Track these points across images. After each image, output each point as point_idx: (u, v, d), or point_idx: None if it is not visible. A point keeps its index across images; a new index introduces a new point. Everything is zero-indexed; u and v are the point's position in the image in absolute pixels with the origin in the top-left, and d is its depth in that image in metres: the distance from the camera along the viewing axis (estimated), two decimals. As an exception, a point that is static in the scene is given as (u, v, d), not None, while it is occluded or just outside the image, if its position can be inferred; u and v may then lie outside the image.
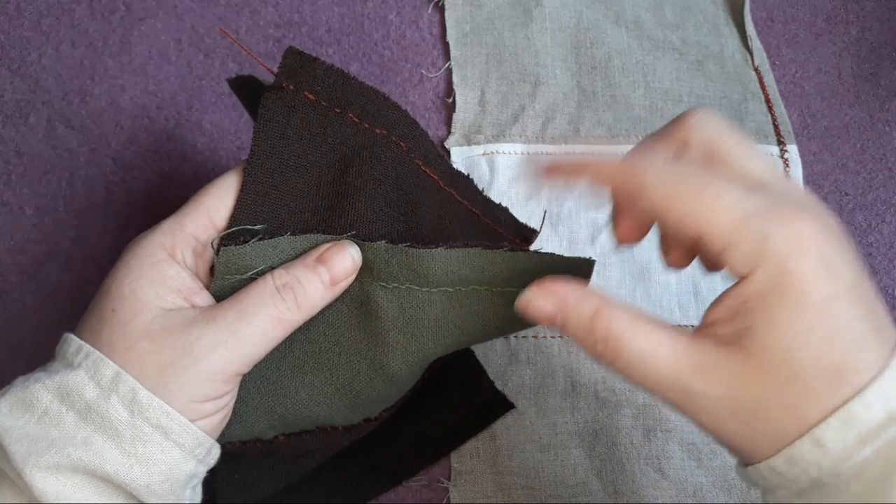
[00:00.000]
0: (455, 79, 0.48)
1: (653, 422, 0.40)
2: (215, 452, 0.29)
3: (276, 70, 0.31)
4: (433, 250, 0.30)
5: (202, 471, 0.28)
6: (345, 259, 0.29)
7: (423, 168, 0.33)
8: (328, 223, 0.31)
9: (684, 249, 0.30)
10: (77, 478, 0.25)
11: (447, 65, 0.49)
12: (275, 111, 0.31)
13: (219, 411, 0.28)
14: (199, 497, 0.30)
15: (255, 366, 0.29)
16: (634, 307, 0.27)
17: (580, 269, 0.31)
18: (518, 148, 0.46)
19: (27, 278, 0.42)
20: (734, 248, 0.25)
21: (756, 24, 0.51)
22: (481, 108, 0.47)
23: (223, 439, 0.30)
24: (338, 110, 0.31)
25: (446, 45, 0.49)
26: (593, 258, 0.31)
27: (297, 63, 0.31)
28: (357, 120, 0.32)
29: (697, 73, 0.49)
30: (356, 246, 0.30)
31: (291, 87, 0.31)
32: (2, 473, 0.25)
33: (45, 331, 0.41)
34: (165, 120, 0.46)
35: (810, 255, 0.25)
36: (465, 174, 0.36)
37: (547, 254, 0.31)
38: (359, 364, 0.31)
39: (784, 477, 0.25)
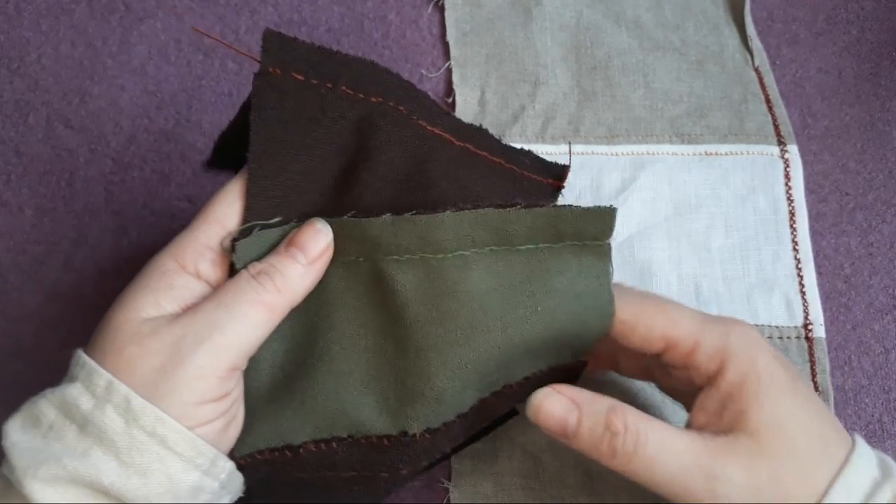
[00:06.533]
0: (455, 79, 0.48)
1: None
2: (223, 466, 0.27)
3: (259, 58, 0.30)
4: (441, 214, 0.29)
5: (211, 485, 0.27)
6: (315, 235, 0.29)
7: (428, 128, 0.32)
8: (336, 199, 0.30)
9: (641, 364, 0.34)
10: (76, 490, 0.25)
11: (447, 65, 0.49)
12: (268, 97, 0.30)
13: (219, 417, 0.27)
14: None
15: (278, 364, 0.29)
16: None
17: (601, 219, 0.31)
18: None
19: (27, 278, 0.42)
20: (700, 348, 0.30)
21: (756, 24, 0.51)
22: (481, 108, 0.47)
23: (251, 447, 0.29)
24: (329, 85, 0.31)
25: (446, 45, 0.49)
26: (615, 206, 0.31)
27: (279, 45, 0.30)
28: (351, 92, 0.31)
29: (698, 73, 0.49)
30: (323, 220, 0.29)
31: (279, 70, 0.30)
32: (14, 488, 0.25)
33: (44, 331, 0.41)
34: (165, 120, 0.46)
35: (764, 348, 0.30)
36: (479, 126, 0.35)
37: (565, 206, 0.30)
38: (385, 344, 0.30)
39: None
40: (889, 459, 0.29)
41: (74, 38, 0.48)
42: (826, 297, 0.44)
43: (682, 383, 0.32)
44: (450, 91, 0.48)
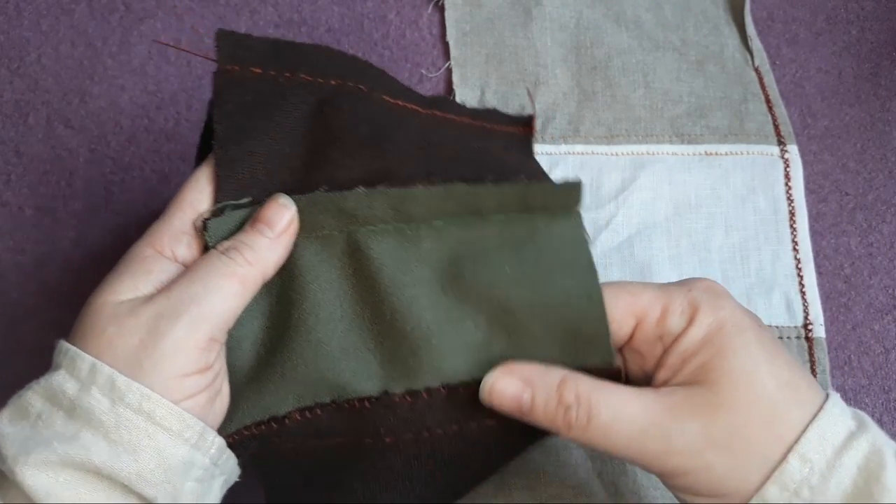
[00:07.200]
0: (455, 79, 0.48)
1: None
2: (212, 440, 0.28)
3: (215, 58, 0.31)
4: (412, 189, 0.29)
5: (202, 461, 0.27)
6: (279, 209, 0.29)
7: (392, 101, 0.33)
8: (307, 179, 0.31)
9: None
10: (68, 473, 0.25)
11: (447, 65, 0.49)
12: (228, 92, 0.31)
13: (203, 390, 0.27)
14: (215, 497, 0.29)
15: (259, 342, 0.29)
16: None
17: (568, 193, 0.31)
18: (518, 148, 0.46)
19: (27, 278, 0.42)
20: (670, 308, 0.29)
21: (756, 24, 0.51)
22: (481, 107, 0.47)
23: (237, 423, 0.29)
24: (288, 74, 0.31)
25: (446, 45, 0.49)
26: (580, 179, 0.31)
27: (233, 44, 0.31)
28: (310, 78, 0.32)
29: (697, 73, 0.49)
30: (285, 195, 0.30)
31: (237, 67, 0.31)
32: (7, 478, 0.25)
33: (44, 331, 0.41)
34: (165, 120, 0.46)
35: (728, 300, 0.29)
36: (442, 96, 0.36)
37: (532, 182, 0.31)
38: (362, 311, 0.30)
39: None
40: (864, 414, 0.28)
41: (74, 38, 0.48)
42: (826, 297, 0.44)
43: (652, 362, 0.30)
44: (450, 91, 0.48)
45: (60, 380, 0.26)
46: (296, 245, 0.30)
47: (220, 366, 0.29)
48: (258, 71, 0.31)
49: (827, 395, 0.28)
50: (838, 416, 0.27)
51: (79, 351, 0.26)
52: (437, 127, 0.34)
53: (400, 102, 0.33)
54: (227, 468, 0.29)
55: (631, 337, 0.30)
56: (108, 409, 0.25)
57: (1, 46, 0.47)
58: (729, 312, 0.28)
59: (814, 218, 0.46)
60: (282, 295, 0.31)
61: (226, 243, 0.29)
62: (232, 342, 0.30)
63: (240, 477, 0.30)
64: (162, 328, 0.26)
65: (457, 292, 0.30)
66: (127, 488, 0.26)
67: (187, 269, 0.29)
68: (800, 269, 0.44)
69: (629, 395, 0.28)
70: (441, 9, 0.51)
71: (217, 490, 0.29)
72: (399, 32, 0.50)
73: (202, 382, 0.27)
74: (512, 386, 0.29)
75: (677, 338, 0.29)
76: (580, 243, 0.31)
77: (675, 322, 0.29)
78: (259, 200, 0.30)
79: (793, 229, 0.45)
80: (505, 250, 0.31)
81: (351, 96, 0.32)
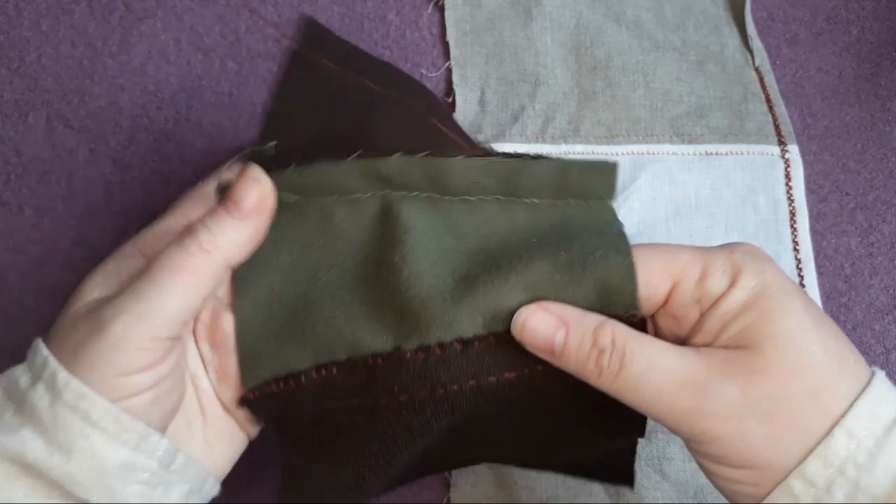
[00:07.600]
0: (455, 79, 0.48)
1: (654, 423, 0.40)
2: (157, 442, 0.26)
3: (294, 38, 0.34)
4: (451, 159, 0.30)
5: (146, 463, 0.26)
6: (247, 185, 0.28)
7: (440, 126, 0.34)
8: (344, 152, 0.31)
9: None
10: (3, 467, 0.24)
11: (447, 65, 0.49)
12: (298, 70, 0.33)
13: (147, 389, 0.26)
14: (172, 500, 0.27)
15: (277, 297, 0.29)
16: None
17: (604, 175, 0.31)
18: (518, 148, 0.46)
19: (26, 279, 0.42)
20: (710, 269, 0.27)
21: (756, 24, 0.51)
22: (481, 107, 0.47)
23: (258, 379, 0.29)
24: (353, 75, 0.33)
25: (446, 45, 0.49)
26: (616, 160, 0.30)
27: (316, 33, 0.34)
28: (373, 86, 0.33)
29: (698, 73, 0.49)
30: (259, 168, 0.28)
31: (312, 53, 0.33)
32: None
33: (44, 331, 0.41)
34: (165, 120, 0.46)
35: (771, 264, 0.27)
36: (485, 146, 0.38)
37: (570, 160, 0.32)
38: (388, 274, 0.29)
39: (819, 489, 0.24)
40: None
41: (74, 38, 0.48)
42: (826, 297, 0.44)
43: (687, 326, 0.28)
44: (450, 91, 0.48)
45: (18, 373, 0.26)
46: (330, 207, 0.30)
47: (172, 364, 0.27)
48: (331, 65, 0.33)
49: (873, 372, 0.26)
50: (886, 392, 0.25)
51: (42, 346, 0.26)
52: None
53: (445, 131, 0.34)
54: (190, 476, 0.28)
55: (666, 300, 0.28)
56: (47, 405, 0.25)
57: (1, 46, 0.47)
58: (773, 276, 0.27)
59: (814, 218, 0.46)
60: (306, 254, 0.31)
61: (189, 226, 0.28)
62: (247, 297, 0.30)
63: (220, 493, 0.29)
64: (101, 325, 0.26)
65: (479, 257, 0.30)
66: (57, 484, 0.25)
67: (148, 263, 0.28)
68: (800, 269, 0.44)
69: (667, 349, 0.26)
70: (441, 9, 0.51)
71: (176, 498, 0.27)
72: (399, 32, 0.50)
73: (147, 381, 0.26)
74: (546, 323, 0.27)
75: (717, 301, 0.27)
76: (614, 225, 0.30)
77: (716, 284, 0.27)
78: (286, 151, 0.30)
79: (793, 229, 0.45)
80: (534, 230, 0.30)
81: (408, 111, 0.33)
